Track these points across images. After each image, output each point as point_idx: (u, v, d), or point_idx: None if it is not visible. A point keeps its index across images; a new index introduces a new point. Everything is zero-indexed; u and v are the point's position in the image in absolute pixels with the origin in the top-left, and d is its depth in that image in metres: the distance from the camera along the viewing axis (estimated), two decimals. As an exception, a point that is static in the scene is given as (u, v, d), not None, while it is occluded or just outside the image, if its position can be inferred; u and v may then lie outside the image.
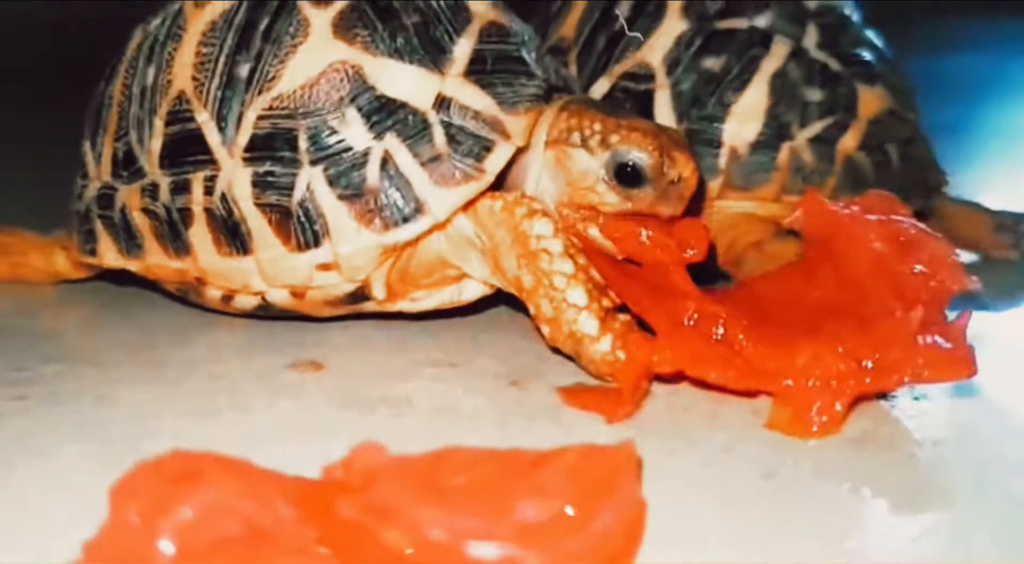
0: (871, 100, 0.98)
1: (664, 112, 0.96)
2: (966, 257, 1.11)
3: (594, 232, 0.79)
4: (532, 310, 0.78)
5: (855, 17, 1.04)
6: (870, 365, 0.72)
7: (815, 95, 0.96)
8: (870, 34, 1.04)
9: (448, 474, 0.57)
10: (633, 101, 0.97)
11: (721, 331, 0.75)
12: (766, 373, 0.74)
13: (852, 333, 0.74)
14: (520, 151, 0.79)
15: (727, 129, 0.95)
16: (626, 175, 0.77)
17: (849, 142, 0.97)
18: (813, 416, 0.72)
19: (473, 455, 0.59)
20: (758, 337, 0.75)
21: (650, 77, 0.97)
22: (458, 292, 0.84)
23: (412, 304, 0.84)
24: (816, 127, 0.96)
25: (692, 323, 0.75)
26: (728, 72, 0.96)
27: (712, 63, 0.96)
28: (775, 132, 0.95)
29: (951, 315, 0.75)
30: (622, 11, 1.01)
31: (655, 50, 0.98)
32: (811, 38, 0.98)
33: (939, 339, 0.73)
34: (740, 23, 0.98)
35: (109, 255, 0.88)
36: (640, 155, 0.77)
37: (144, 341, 0.87)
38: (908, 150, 1.00)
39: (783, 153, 0.95)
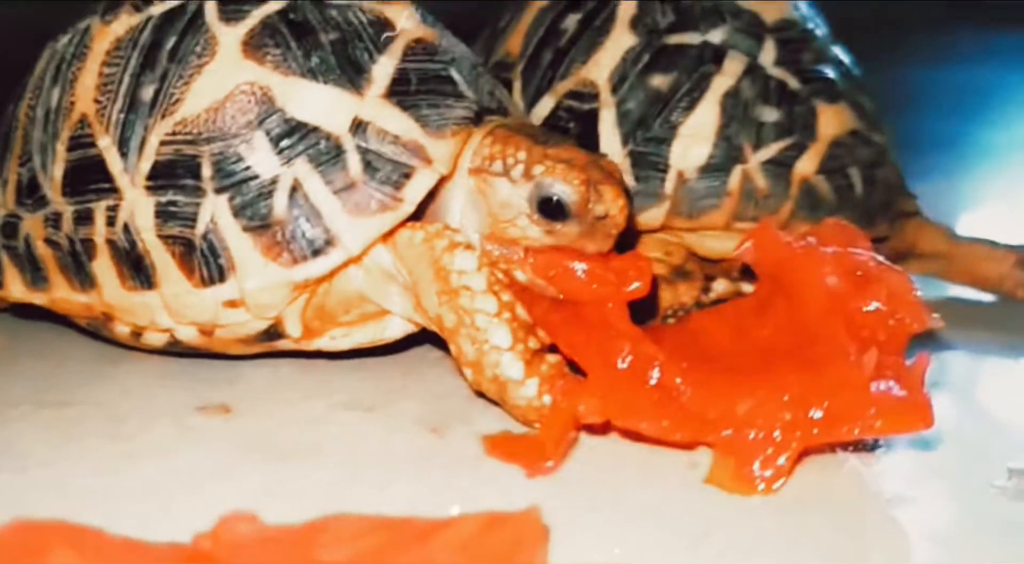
0: (832, 120, 0.91)
1: (609, 133, 0.89)
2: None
3: (520, 276, 0.73)
4: (454, 351, 0.72)
5: (819, 31, 0.96)
6: (819, 414, 0.66)
7: (771, 115, 0.89)
8: (835, 49, 0.97)
9: (326, 547, 0.52)
10: (577, 121, 0.90)
11: (657, 374, 0.69)
12: (705, 422, 0.67)
13: (799, 378, 0.67)
14: (445, 178, 0.74)
15: (674, 151, 0.88)
16: (549, 209, 0.71)
17: (807, 165, 0.89)
18: (755, 471, 0.66)
19: (358, 524, 0.54)
20: (697, 381, 0.69)
21: (595, 96, 0.91)
22: (381, 330, 0.78)
23: (331, 342, 0.78)
24: (771, 149, 0.89)
25: (626, 365, 0.69)
26: (676, 90, 0.89)
27: (660, 81, 0.89)
28: (726, 154, 0.88)
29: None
30: (569, 24, 0.94)
31: (601, 66, 0.91)
32: (768, 54, 0.91)
33: (894, 386, 0.67)
34: (692, 38, 0.91)
35: (15, 288, 0.82)
36: (564, 188, 0.71)
37: (51, 379, 0.82)
38: (873, 173, 0.93)
39: (734, 177, 0.88)
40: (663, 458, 0.68)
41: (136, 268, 0.74)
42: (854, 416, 0.66)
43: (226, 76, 0.72)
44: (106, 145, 0.75)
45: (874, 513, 0.63)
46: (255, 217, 0.71)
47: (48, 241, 0.78)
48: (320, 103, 0.72)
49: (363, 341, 0.78)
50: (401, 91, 0.73)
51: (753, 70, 0.90)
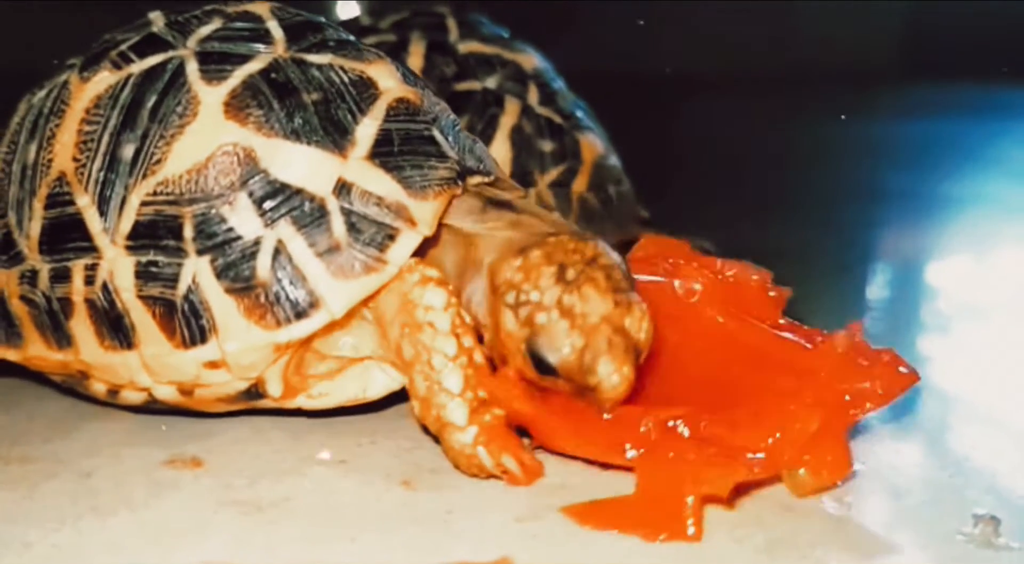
0: (590, 147, 1.12)
1: None
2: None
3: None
4: (407, 383, 0.72)
5: (559, 80, 1.18)
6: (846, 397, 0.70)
7: (547, 145, 1.09)
8: (567, 90, 1.18)
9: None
10: None
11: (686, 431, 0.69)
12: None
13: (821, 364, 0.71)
14: (428, 240, 0.74)
15: None
16: (539, 364, 0.69)
17: (580, 184, 1.09)
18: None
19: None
20: (721, 419, 0.69)
21: None
22: (362, 388, 0.78)
23: (312, 401, 0.78)
24: (553, 173, 1.09)
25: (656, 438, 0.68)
26: (472, 129, 1.05)
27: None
28: (520, 180, 1.01)
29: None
30: None
31: None
32: (533, 96, 1.12)
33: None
34: (474, 85, 1.10)
35: (-12, 344, 0.81)
36: (554, 356, 0.68)
37: (20, 434, 0.81)
38: (620, 189, 1.14)
39: (531, 198, 1.00)
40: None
41: (115, 328, 0.74)
42: (866, 394, 0.69)
43: (208, 137, 0.72)
44: (85, 204, 0.74)
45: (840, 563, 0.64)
46: (238, 279, 0.71)
47: (24, 298, 0.78)
48: (303, 164, 0.72)
49: (346, 399, 0.78)
50: (384, 152, 0.74)
51: (527, 110, 1.10)
